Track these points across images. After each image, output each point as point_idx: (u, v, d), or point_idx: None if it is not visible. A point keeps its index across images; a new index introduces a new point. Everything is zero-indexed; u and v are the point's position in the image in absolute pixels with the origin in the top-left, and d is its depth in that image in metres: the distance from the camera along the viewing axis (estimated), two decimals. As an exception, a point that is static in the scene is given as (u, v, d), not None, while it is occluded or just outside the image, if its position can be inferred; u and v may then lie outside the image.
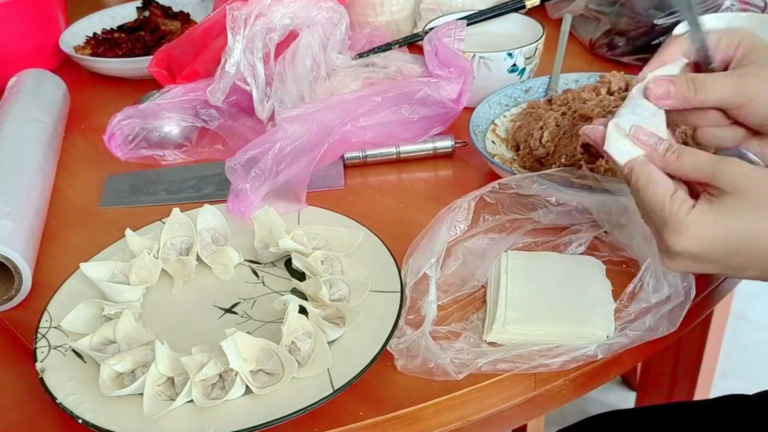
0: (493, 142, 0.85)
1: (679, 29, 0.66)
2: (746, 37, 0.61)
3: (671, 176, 0.56)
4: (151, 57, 0.99)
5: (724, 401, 0.83)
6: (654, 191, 0.55)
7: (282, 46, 0.92)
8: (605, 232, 0.70)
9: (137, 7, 1.26)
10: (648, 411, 0.87)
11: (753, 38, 0.61)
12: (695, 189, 0.56)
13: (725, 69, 0.61)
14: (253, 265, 0.73)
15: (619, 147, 0.58)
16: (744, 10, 0.98)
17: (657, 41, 0.98)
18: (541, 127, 0.79)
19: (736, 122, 0.61)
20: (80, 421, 0.56)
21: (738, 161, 0.54)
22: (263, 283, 0.71)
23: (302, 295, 0.66)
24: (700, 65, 0.62)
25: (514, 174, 0.74)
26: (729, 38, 0.61)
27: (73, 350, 0.63)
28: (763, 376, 1.74)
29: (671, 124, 0.61)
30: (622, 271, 0.68)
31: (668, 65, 0.61)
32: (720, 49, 0.61)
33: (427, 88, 0.84)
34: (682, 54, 0.62)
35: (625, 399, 1.68)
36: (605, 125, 0.59)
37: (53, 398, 0.58)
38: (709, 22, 0.84)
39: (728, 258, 0.54)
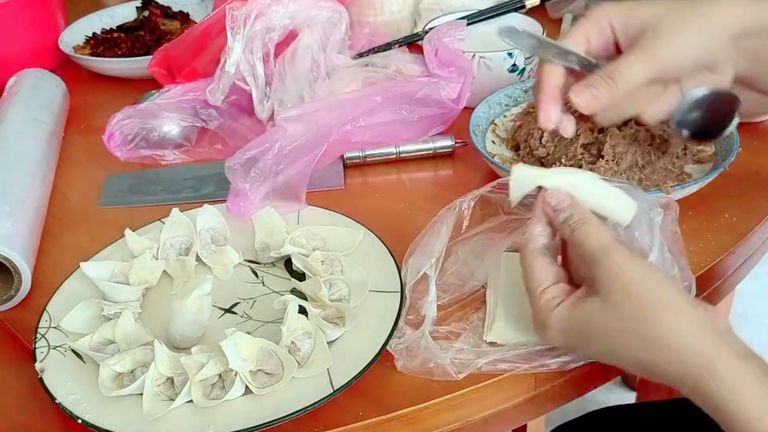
0: (493, 142, 0.85)
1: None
2: (613, 15, 0.63)
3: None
4: (151, 57, 0.99)
5: None
6: (530, 278, 0.58)
7: (282, 46, 0.92)
8: (605, 232, 0.70)
9: (137, 7, 1.26)
10: (648, 407, 0.87)
11: (619, 13, 0.63)
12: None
13: (619, 53, 0.63)
14: (253, 265, 0.73)
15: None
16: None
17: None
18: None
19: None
20: (80, 421, 0.56)
21: (614, 259, 0.54)
22: (263, 283, 0.71)
23: (302, 295, 0.66)
24: (585, 72, 0.63)
25: (514, 174, 0.73)
26: (597, 29, 0.63)
27: (73, 350, 0.62)
28: (762, 377, 1.73)
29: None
30: (623, 271, 0.67)
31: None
32: (594, 44, 0.63)
33: (427, 88, 0.84)
34: (559, 82, 0.64)
35: (625, 399, 1.67)
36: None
37: (53, 398, 0.58)
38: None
39: (594, 354, 0.56)
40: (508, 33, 0.66)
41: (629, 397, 1.66)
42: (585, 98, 0.62)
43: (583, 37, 0.63)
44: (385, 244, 0.70)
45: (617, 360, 0.55)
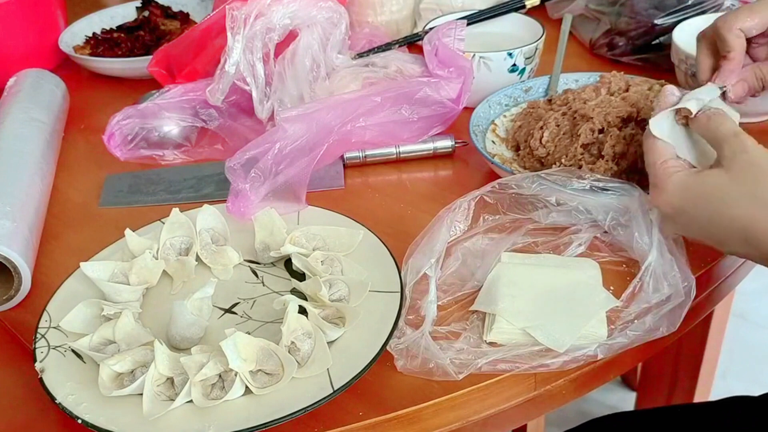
0: (493, 142, 0.85)
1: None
2: None
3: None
4: (151, 57, 0.99)
5: (727, 403, 0.83)
6: (649, 154, 0.64)
7: (282, 46, 0.92)
8: (605, 232, 0.70)
9: (137, 7, 1.26)
10: (650, 413, 0.87)
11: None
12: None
13: None
14: (253, 265, 0.73)
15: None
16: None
17: (657, 41, 0.98)
18: (542, 127, 0.79)
19: None
20: (79, 421, 0.56)
21: (744, 141, 0.59)
22: (263, 283, 0.71)
23: (302, 295, 0.66)
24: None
25: (514, 174, 0.73)
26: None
27: (73, 350, 0.62)
28: (763, 377, 1.74)
29: None
30: (622, 271, 0.68)
31: (708, 87, 0.68)
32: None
33: (427, 88, 0.84)
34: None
35: (625, 399, 1.67)
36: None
37: (52, 398, 0.58)
38: (710, 22, 0.83)
39: (700, 224, 0.60)
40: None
41: (629, 397, 1.67)
42: (740, 92, 0.70)
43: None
44: (385, 244, 0.70)
45: (723, 228, 0.58)
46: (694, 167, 0.64)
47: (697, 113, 0.63)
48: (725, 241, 0.59)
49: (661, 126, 0.65)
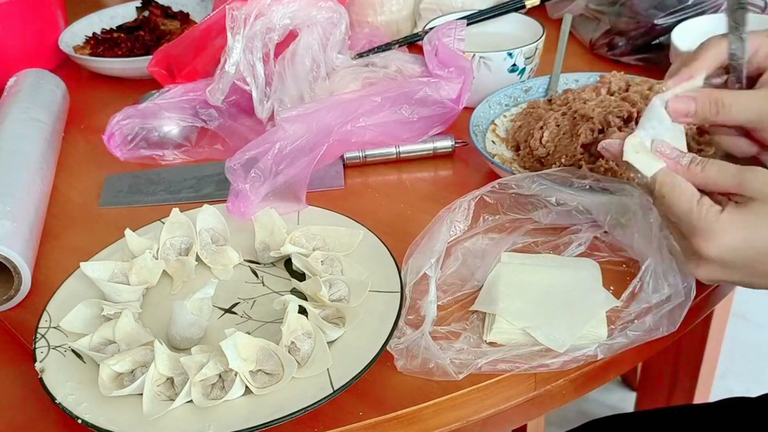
0: (493, 142, 0.85)
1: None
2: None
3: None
4: (151, 57, 0.99)
5: (726, 404, 0.83)
6: (680, 197, 0.55)
7: (282, 46, 0.92)
8: (605, 232, 0.70)
9: (137, 7, 1.26)
10: (650, 414, 0.87)
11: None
12: (717, 199, 0.56)
13: (757, 77, 0.61)
14: (253, 265, 0.73)
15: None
16: (744, 10, 0.97)
17: (657, 41, 0.98)
18: (542, 127, 0.79)
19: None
20: (80, 421, 0.56)
21: (763, 170, 0.53)
22: (263, 283, 0.71)
23: (302, 295, 0.66)
24: (730, 73, 0.62)
25: (514, 174, 0.73)
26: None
27: (73, 350, 0.62)
28: (763, 377, 1.74)
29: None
30: (622, 271, 0.68)
31: (693, 81, 0.61)
32: (758, 58, 0.60)
33: (427, 88, 0.84)
34: (716, 60, 0.61)
35: (625, 399, 1.67)
36: (622, 139, 0.59)
37: (52, 398, 0.58)
38: (710, 22, 0.83)
39: (757, 264, 0.53)
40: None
41: (629, 397, 1.67)
42: (681, 107, 0.59)
43: (757, 43, 0.61)
44: (385, 244, 0.70)
45: None
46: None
47: (690, 165, 0.57)
48: None
49: (643, 143, 0.59)
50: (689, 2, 0.96)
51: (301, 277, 0.69)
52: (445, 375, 0.59)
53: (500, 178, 0.72)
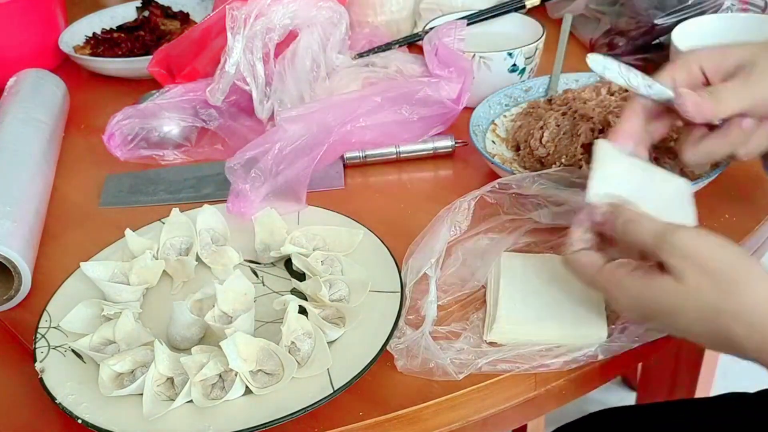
0: (493, 142, 0.85)
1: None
2: (704, 58, 0.62)
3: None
4: (151, 57, 0.99)
5: (724, 399, 0.83)
6: (580, 273, 0.58)
7: (282, 46, 0.92)
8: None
9: (137, 7, 1.26)
10: (649, 408, 0.87)
11: (710, 56, 0.62)
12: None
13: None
14: (253, 265, 0.72)
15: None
16: (744, 11, 0.97)
17: (657, 41, 0.98)
18: (542, 127, 0.79)
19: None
20: (80, 421, 0.56)
21: (686, 233, 0.53)
22: (263, 283, 0.71)
23: (302, 295, 0.66)
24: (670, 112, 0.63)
25: (514, 174, 0.73)
26: (686, 72, 0.62)
27: (73, 350, 0.62)
28: (763, 377, 1.72)
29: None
30: (623, 271, 0.67)
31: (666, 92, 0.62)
32: (681, 85, 0.62)
33: (427, 88, 0.84)
34: (643, 112, 0.63)
35: (625, 399, 1.67)
36: None
37: (53, 398, 0.58)
38: (710, 22, 0.83)
39: (668, 329, 0.57)
40: (599, 62, 0.65)
41: (629, 397, 1.66)
42: (690, 103, 0.61)
43: (669, 79, 0.62)
44: (385, 244, 0.70)
45: (692, 335, 0.55)
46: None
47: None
48: (701, 343, 0.56)
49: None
50: (689, 2, 0.96)
51: (301, 277, 0.69)
52: (445, 375, 0.59)
53: (500, 178, 0.72)
